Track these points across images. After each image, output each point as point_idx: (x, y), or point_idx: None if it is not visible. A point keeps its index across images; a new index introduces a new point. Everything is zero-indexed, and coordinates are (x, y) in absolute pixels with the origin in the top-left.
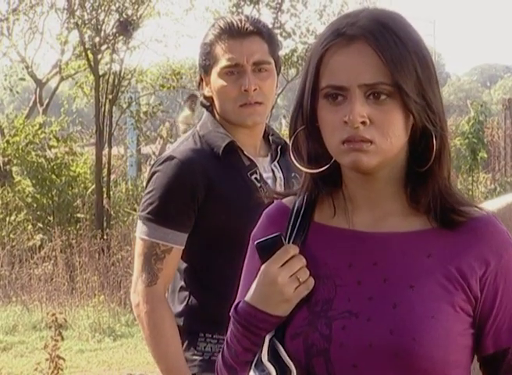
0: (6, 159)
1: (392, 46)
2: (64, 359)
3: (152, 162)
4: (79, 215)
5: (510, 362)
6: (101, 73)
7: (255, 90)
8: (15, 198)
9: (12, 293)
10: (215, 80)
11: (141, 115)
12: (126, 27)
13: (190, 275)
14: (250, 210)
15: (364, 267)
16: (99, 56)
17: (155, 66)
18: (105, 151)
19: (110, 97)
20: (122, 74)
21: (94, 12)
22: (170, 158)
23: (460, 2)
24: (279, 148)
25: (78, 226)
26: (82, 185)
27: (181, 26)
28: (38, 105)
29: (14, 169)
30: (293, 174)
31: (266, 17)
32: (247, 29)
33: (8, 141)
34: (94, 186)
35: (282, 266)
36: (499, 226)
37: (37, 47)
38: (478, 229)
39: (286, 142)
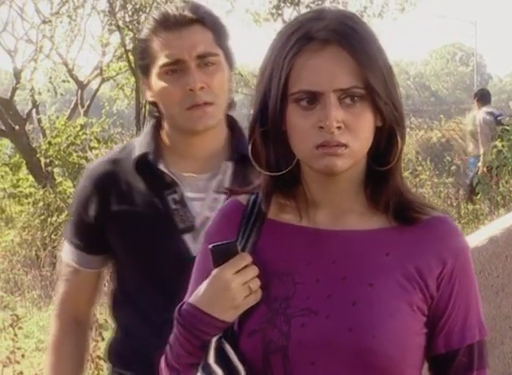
0: (48, 160)
1: (363, 49)
2: (105, 360)
3: None
4: None
5: (460, 363)
6: None
7: (202, 88)
8: (56, 199)
9: (54, 293)
10: (156, 82)
11: None
12: None
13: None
14: (157, 234)
15: (322, 265)
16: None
17: None
18: None
19: None
20: None
21: (135, 14)
22: (86, 167)
23: (502, 3)
24: (228, 163)
25: None
26: None
27: None
28: (79, 106)
29: (55, 170)
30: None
31: None
32: (184, 17)
33: (50, 143)
34: None
35: (236, 272)
36: (455, 227)
37: (79, 49)
38: (436, 228)
39: (244, 156)
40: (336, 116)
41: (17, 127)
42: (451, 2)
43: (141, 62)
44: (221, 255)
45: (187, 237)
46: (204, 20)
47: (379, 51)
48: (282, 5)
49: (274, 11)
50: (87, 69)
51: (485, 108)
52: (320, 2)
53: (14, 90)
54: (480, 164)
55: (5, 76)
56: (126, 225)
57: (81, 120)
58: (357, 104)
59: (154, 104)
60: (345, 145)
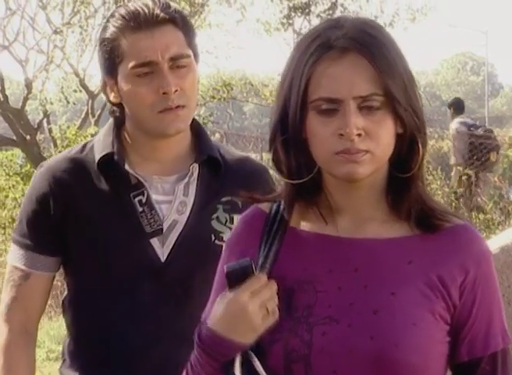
0: None
1: (382, 56)
2: None
3: None
4: None
5: (483, 371)
6: None
7: (176, 91)
8: None
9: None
10: (124, 84)
11: None
12: None
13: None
14: (123, 238)
15: (344, 273)
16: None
17: (206, 77)
18: None
19: None
20: None
21: None
22: (41, 165)
23: None
24: (195, 165)
25: None
26: None
27: (232, 37)
28: (90, 116)
29: None
30: (225, 199)
31: None
32: (157, 16)
33: (60, 152)
34: None
35: (252, 294)
36: (478, 235)
37: (90, 59)
38: (459, 236)
39: (213, 158)
40: (356, 123)
41: (28, 137)
42: (462, 12)
43: (106, 62)
44: (237, 278)
45: (154, 242)
46: (176, 20)
47: (399, 57)
48: (293, 14)
49: (285, 21)
50: (98, 79)
51: (458, 118)
52: (330, 12)
53: (25, 100)
54: (453, 174)
55: (17, 87)
56: (90, 226)
57: (92, 130)
58: (377, 111)
59: (116, 105)
60: (366, 151)
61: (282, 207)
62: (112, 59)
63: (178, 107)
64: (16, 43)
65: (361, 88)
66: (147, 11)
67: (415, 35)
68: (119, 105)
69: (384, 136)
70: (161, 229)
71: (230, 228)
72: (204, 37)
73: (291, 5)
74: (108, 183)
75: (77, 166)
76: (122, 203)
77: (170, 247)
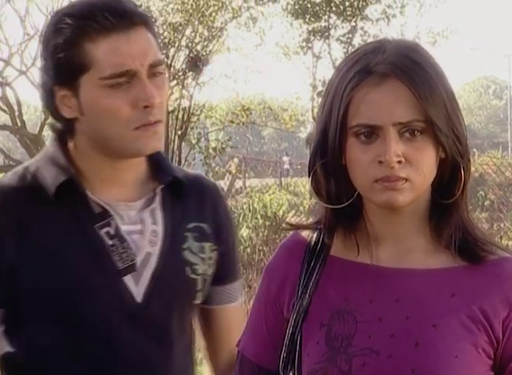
0: None
1: (423, 82)
2: None
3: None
4: None
5: None
6: (170, 108)
7: (159, 103)
8: None
9: None
10: (91, 96)
11: (210, 150)
12: (196, 63)
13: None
14: (92, 278)
15: (385, 303)
16: (168, 92)
17: (224, 101)
18: None
19: (179, 133)
20: (191, 110)
21: (164, 48)
22: None
23: None
24: (161, 188)
25: None
26: None
27: (251, 61)
28: None
29: None
30: (191, 225)
31: (337, 52)
32: (132, 16)
33: None
34: None
35: None
36: None
37: None
38: (503, 270)
39: (178, 179)
40: (396, 150)
41: None
42: (483, 35)
43: (62, 70)
44: None
45: (128, 280)
46: (148, 20)
47: (441, 82)
48: (312, 38)
49: (304, 44)
50: None
51: None
52: (350, 35)
53: (42, 125)
54: None
55: (34, 112)
56: (50, 267)
57: None
58: (417, 137)
59: (67, 120)
60: (405, 179)
61: (322, 235)
62: (71, 68)
63: (156, 122)
64: (34, 68)
65: (401, 115)
66: (119, 9)
67: (436, 59)
68: (69, 121)
69: (425, 162)
70: (135, 264)
71: (203, 258)
72: (222, 61)
73: (310, 28)
74: (68, 215)
75: (27, 197)
76: (88, 237)
77: (145, 285)
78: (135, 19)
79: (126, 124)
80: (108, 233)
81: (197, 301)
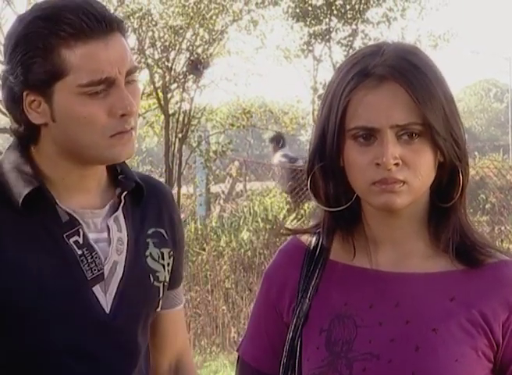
0: None
1: (421, 85)
2: None
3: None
4: None
5: None
6: (171, 112)
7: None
8: None
9: None
10: (65, 103)
11: (211, 154)
12: (197, 66)
13: None
14: (62, 289)
15: (385, 308)
16: (169, 95)
17: (225, 104)
18: (175, 191)
19: (180, 136)
20: (192, 113)
21: (164, 52)
22: None
23: None
24: (125, 194)
25: None
26: None
27: (251, 64)
28: None
29: None
30: (150, 231)
31: (338, 55)
32: (110, 21)
33: None
34: None
35: None
36: None
37: None
38: (503, 273)
39: (139, 184)
40: (393, 152)
41: None
42: (484, 38)
43: (35, 75)
44: None
45: (97, 290)
46: (123, 26)
47: (439, 85)
48: (313, 41)
49: (305, 47)
50: None
51: (280, 152)
52: (351, 38)
53: None
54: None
55: None
56: (20, 278)
57: None
58: (415, 140)
59: (34, 126)
60: (403, 182)
61: (321, 239)
62: (44, 74)
63: (131, 129)
64: None
65: (399, 117)
66: (96, 14)
67: (437, 62)
68: (34, 126)
69: (422, 165)
70: (103, 274)
71: (163, 265)
72: (223, 65)
73: (311, 31)
74: (36, 224)
75: None
76: (56, 246)
77: (113, 294)
78: (113, 25)
79: (102, 132)
80: (76, 242)
81: (159, 309)
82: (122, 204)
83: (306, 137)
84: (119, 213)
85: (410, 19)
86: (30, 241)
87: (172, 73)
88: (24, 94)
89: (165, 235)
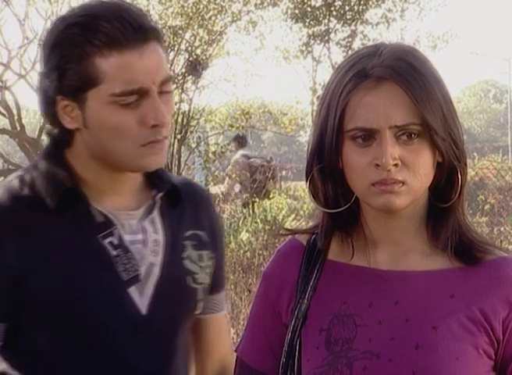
0: None
1: (420, 85)
2: None
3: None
4: None
5: None
6: None
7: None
8: None
9: None
10: (98, 112)
11: (210, 155)
12: (196, 67)
13: None
14: (98, 291)
15: (385, 307)
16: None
17: (224, 105)
18: None
19: (179, 137)
20: (191, 114)
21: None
22: None
23: None
24: (161, 195)
25: None
26: None
27: (250, 65)
28: None
29: None
30: (188, 233)
31: (337, 56)
32: (146, 31)
33: None
34: None
35: None
36: None
37: None
38: (502, 269)
39: (175, 186)
40: (393, 153)
41: None
42: (484, 39)
43: (70, 81)
44: None
45: (133, 291)
46: (160, 34)
47: (437, 86)
48: (312, 42)
49: (304, 48)
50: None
51: (241, 151)
52: (350, 39)
53: (42, 129)
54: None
55: (33, 116)
56: (53, 280)
57: None
58: (414, 140)
59: (68, 130)
60: (402, 182)
61: (319, 239)
62: (78, 80)
63: (163, 139)
64: (33, 72)
65: (397, 118)
66: (132, 22)
67: (437, 63)
68: (69, 130)
69: (421, 165)
70: (139, 275)
71: (201, 267)
72: (222, 66)
73: (310, 32)
74: (70, 225)
75: (28, 206)
76: (91, 247)
77: (149, 296)
78: (148, 34)
79: (133, 141)
80: (111, 243)
81: (198, 312)
82: (157, 205)
83: (305, 138)
84: (155, 215)
85: (410, 19)
86: (64, 242)
87: (171, 73)
88: (58, 98)
89: (205, 237)
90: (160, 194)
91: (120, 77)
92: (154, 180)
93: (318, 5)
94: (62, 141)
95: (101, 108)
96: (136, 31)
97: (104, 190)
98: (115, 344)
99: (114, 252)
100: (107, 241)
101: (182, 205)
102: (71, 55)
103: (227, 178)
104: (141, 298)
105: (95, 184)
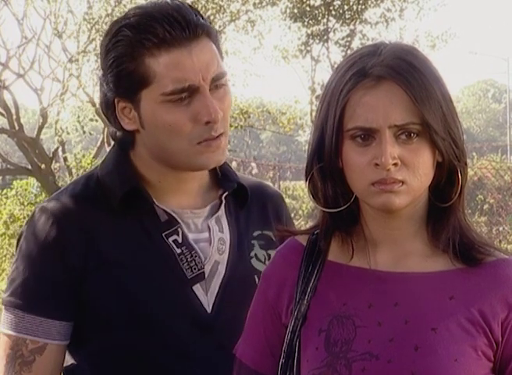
0: None
1: (419, 84)
2: None
3: None
4: None
5: None
6: None
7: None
8: None
9: None
10: (152, 111)
11: None
12: None
13: None
14: (162, 288)
15: (384, 308)
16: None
17: None
18: None
19: None
20: None
21: None
22: (42, 209)
23: None
24: (226, 194)
25: None
26: None
27: (249, 65)
28: (106, 144)
29: None
30: (256, 233)
31: (336, 55)
32: (194, 28)
33: None
34: None
35: None
36: None
37: None
38: (502, 271)
39: (242, 186)
40: (392, 152)
41: (43, 166)
42: (482, 39)
43: (123, 83)
44: None
45: (198, 289)
46: (211, 30)
47: (437, 85)
48: (311, 41)
49: (302, 48)
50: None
51: None
52: (349, 39)
53: (40, 128)
54: None
55: (32, 115)
56: (119, 277)
57: None
58: (413, 140)
59: (127, 131)
60: (402, 182)
61: (319, 240)
62: (132, 81)
63: (219, 136)
64: (32, 71)
65: (397, 117)
66: (181, 20)
67: (435, 62)
68: (130, 132)
69: (421, 165)
70: (203, 273)
71: None
72: None
73: (309, 32)
74: (134, 224)
75: (92, 206)
76: (156, 245)
77: (215, 294)
78: (198, 31)
79: (188, 139)
80: (176, 241)
81: None
82: (222, 205)
83: (304, 137)
84: (222, 214)
85: (409, 19)
86: (128, 241)
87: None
88: (116, 100)
89: (273, 238)
90: (225, 194)
91: (169, 76)
92: (222, 179)
93: (316, 4)
94: (125, 142)
95: (154, 107)
96: (185, 29)
97: (169, 189)
98: (179, 341)
99: (178, 250)
100: (171, 239)
101: (250, 205)
102: (123, 56)
103: None
104: (206, 296)
105: (158, 184)
